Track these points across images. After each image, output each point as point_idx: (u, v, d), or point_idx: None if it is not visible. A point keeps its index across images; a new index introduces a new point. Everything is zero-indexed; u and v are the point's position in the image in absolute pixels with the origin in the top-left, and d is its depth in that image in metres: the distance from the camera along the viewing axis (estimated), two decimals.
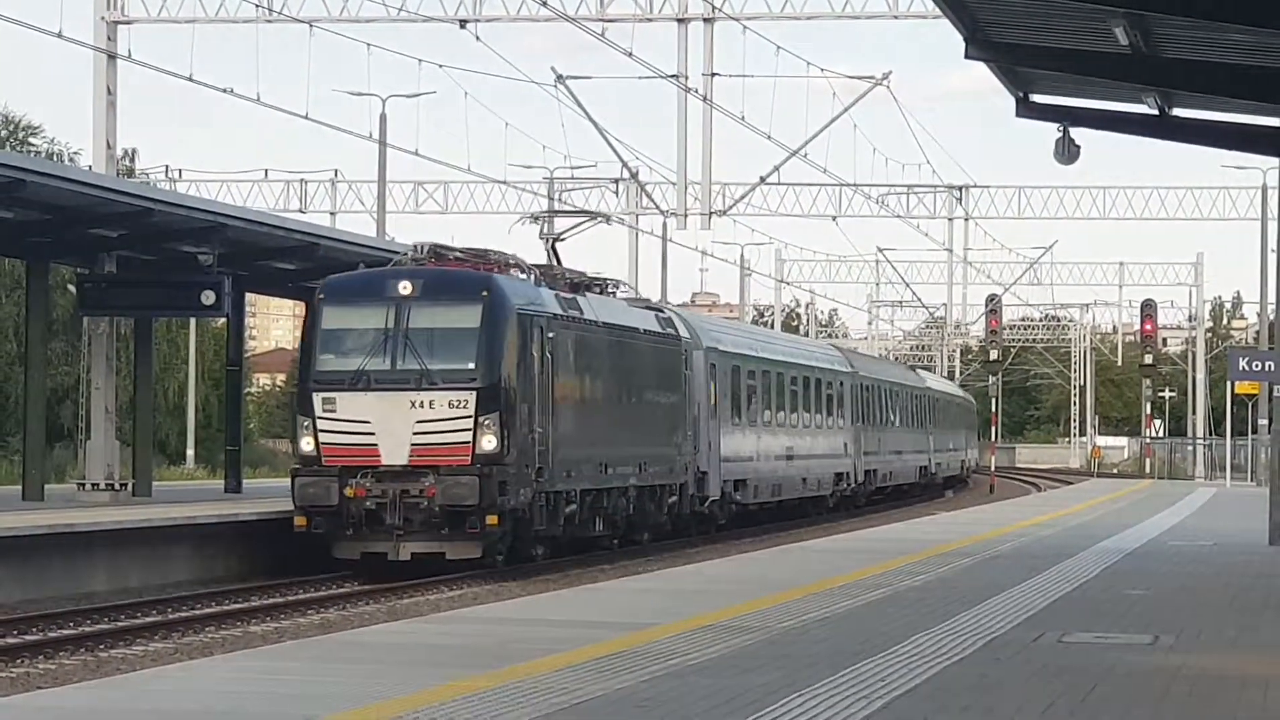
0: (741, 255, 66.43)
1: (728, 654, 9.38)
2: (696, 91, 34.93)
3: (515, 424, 21.88)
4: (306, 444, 21.85)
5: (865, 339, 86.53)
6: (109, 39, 30.23)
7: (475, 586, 21.57)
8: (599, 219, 30.81)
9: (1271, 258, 30.82)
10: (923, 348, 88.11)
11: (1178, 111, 19.97)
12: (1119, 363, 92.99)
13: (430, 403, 21.37)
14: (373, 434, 21.42)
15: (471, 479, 20.80)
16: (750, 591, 13.99)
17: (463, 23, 32.31)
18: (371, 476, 21.18)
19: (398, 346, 21.55)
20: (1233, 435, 61.98)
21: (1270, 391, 26.32)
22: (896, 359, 76.29)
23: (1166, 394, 79.00)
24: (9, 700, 8.70)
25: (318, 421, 21.66)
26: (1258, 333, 40.48)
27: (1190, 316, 73.10)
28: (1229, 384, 47.95)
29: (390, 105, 44.31)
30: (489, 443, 21.24)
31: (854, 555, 19.68)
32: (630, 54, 31.48)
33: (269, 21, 33.08)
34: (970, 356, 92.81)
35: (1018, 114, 18.80)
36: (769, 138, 36.76)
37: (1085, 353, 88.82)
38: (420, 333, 21.70)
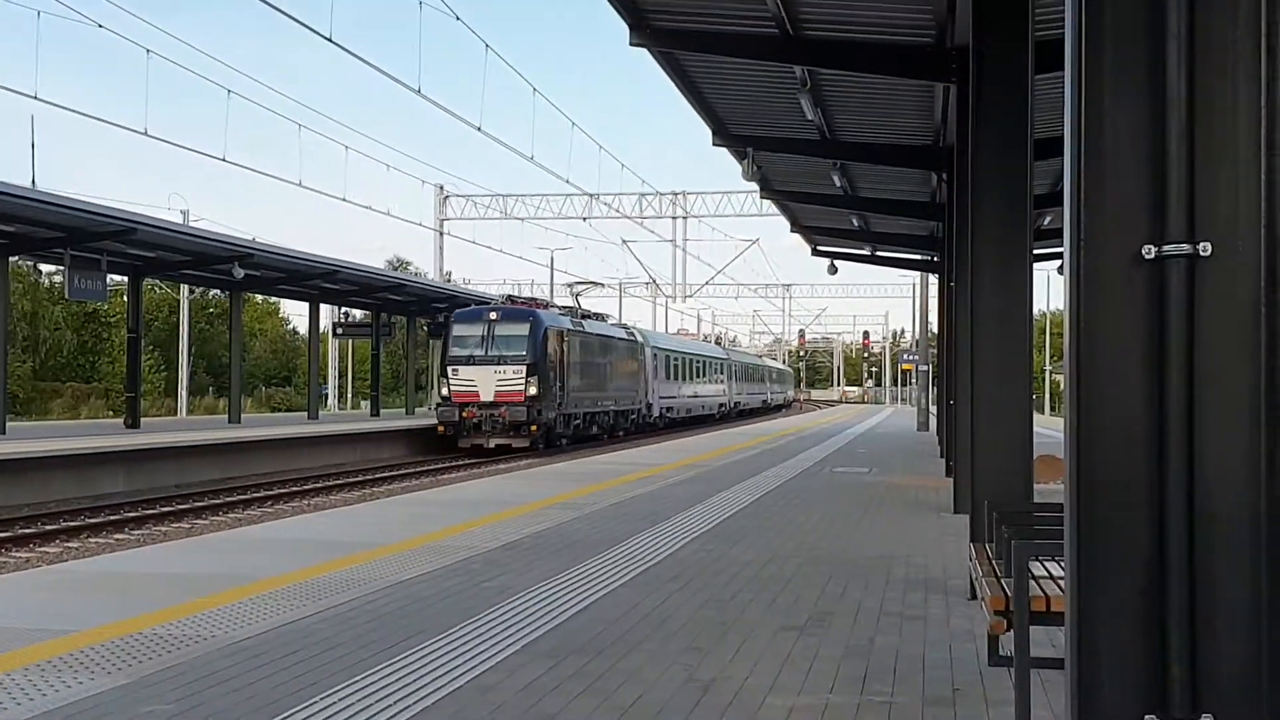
0: (699, 314, 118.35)
1: (692, 476, 20.13)
2: (676, 244, 66.12)
3: (546, 382, 40.78)
4: (444, 390, 40.95)
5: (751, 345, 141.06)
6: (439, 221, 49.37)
7: (541, 456, 37.78)
8: (600, 284, 60.31)
9: (918, 316, 57.62)
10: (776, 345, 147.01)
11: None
12: (853, 354, 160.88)
13: (504, 372, 40.27)
14: (476, 386, 40.15)
15: (522, 408, 39.48)
16: (690, 449, 30.18)
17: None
18: (476, 407, 39.80)
19: (488, 343, 40.84)
20: (901, 385, 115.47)
21: (916, 367, 51.97)
22: (762, 353, 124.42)
23: (873, 370, 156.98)
24: (275, 523, 17.10)
25: (450, 380, 40.70)
26: (915, 342, 64.37)
27: (883, 337, 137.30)
28: (900, 365, 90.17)
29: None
30: (533, 390, 40.02)
31: (736, 436, 39.90)
32: (641, 222, 61.75)
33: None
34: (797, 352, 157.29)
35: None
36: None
37: (840, 350, 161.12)
38: (499, 338, 40.92)
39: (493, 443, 39.29)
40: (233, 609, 8.42)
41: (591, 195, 56.26)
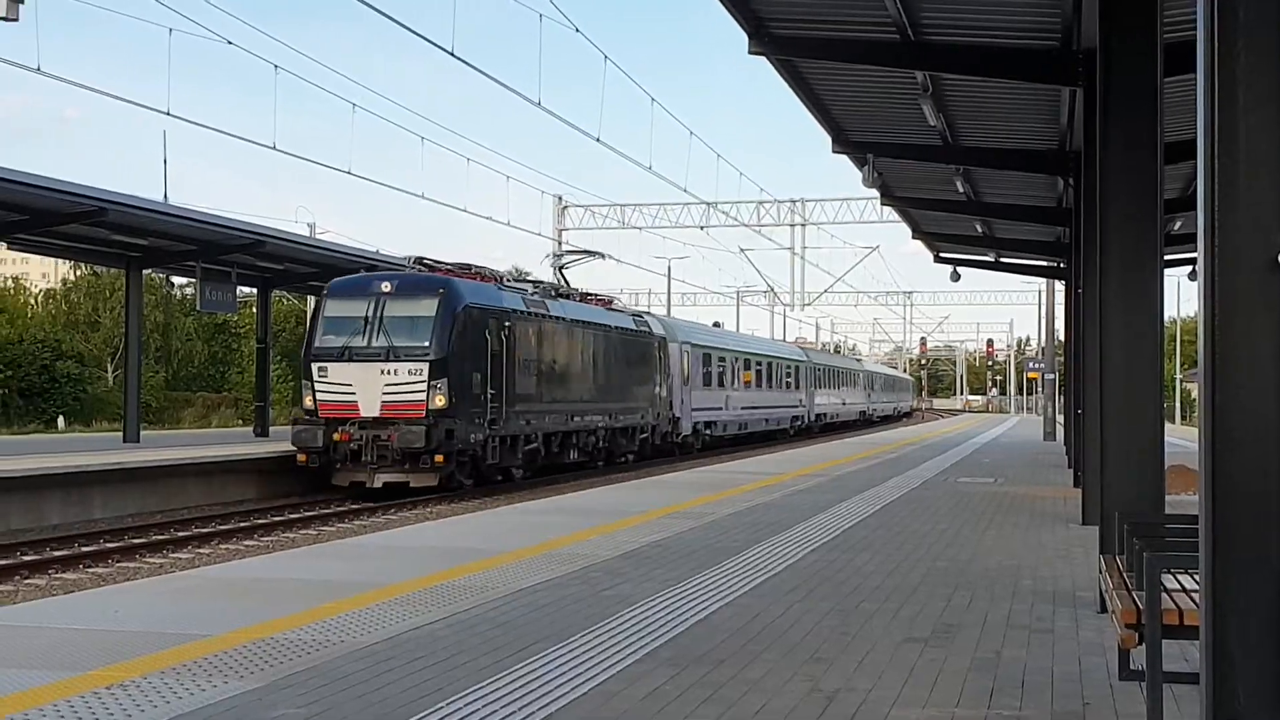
0: (817, 322, 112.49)
1: (812, 486, 19.99)
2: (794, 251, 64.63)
3: (467, 387, 26.80)
4: (308, 400, 26.96)
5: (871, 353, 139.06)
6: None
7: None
8: (598, 255, 42.90)
9: (1044, 323, 53.51)
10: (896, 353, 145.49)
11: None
12: (977, 363, 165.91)
13: (395, 372, 26.36)
14: (353, 394, 26.39)
15: (420, 428, 25.33)
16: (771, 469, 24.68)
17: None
18: (356, 425, 26.05)
19: (373, 329, 26.79)
20: (1026, 394, 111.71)
21: (1042, 376, 49.87)
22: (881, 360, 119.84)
23: (997, 378, 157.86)
24: (396, 531, 16.15)
25: (316, 384, 26.85)
26: (1041, 350, 62.20)
27: (1008, 344, 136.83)
28: (1025, 373, 79.71)
29: None
30: (439, 400, 26.04)
31: (829, 455, 35.23)
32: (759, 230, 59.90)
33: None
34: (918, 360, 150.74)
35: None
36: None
37: (963, 358, 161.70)
38: (391, 320, 26.80)
39: (379, 480, 25.94)
40: (360, 614, 8.55)
41: (709, 204, 56.19)
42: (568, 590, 9.70)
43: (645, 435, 38.59)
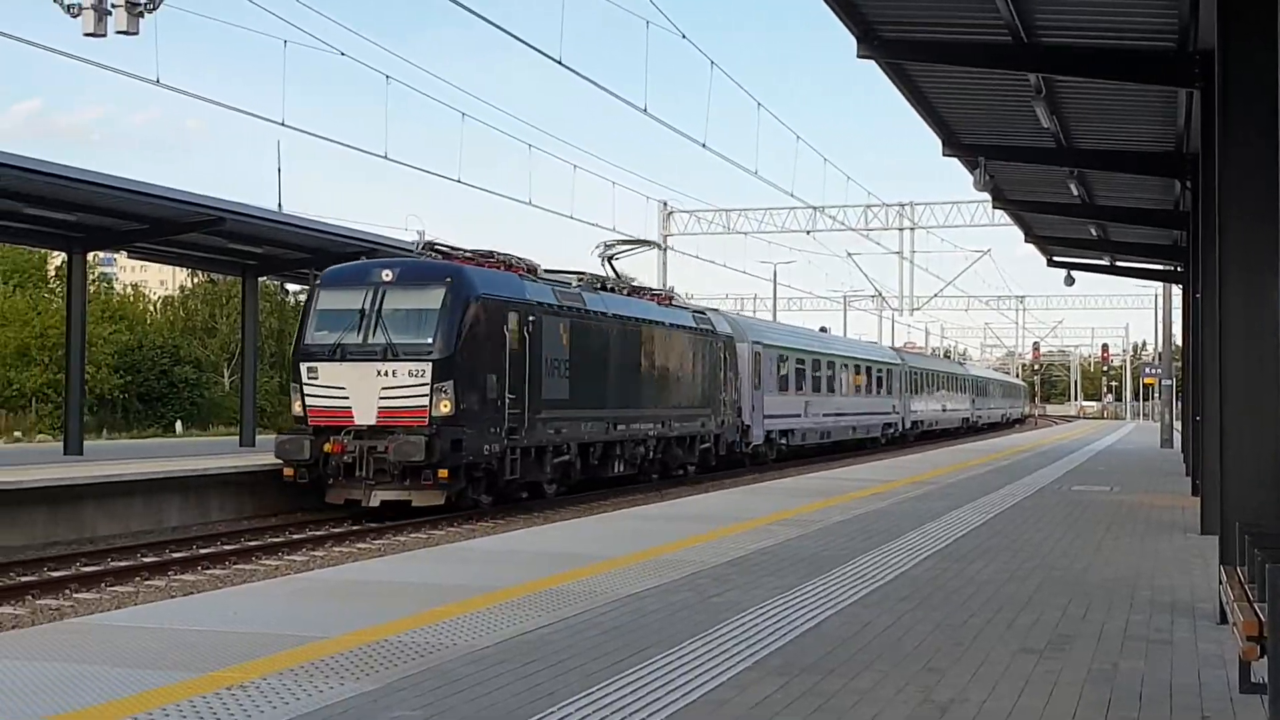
0: (926, 327, 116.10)
1: (923, 493, 19.86)
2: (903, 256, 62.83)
3: (478, 390, 23.01)
4: (296, 406, 23.45)
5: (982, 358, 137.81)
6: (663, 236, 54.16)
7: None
8: (650, 245, 35.94)
9: (1160, 328, 54.53)
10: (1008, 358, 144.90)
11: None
12: (1091, 368, 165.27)
13: (394, 373, 22.58)
14: (346, 399, 22.76)
15: (419, 439, 21.65)
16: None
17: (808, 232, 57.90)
18: (351, 434, 22.42)
19: (369, 324, 23.01)
20: (1142, 400, 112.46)
21: (1159, 381, 50.86)
22: (967, 362, 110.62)
23: (1112, 384, 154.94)
24: (504, 535, 14.80)
25: (305, 388, 23.20)
26: (1158, 355, 58.04)
27: (1123, 350, 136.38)
28: (1141, 379, 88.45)
29: None
30: (445, 405, 22.29)
31: (935, 463, 35.02)
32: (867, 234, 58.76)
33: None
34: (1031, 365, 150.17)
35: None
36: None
37: (1076, 363, 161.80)
38: (390, 314, 23.03)
39: (376, 498, 22.52)
40: (471, 618, 8.63)
41: (816, 208, 55.91)
42: (676, 596, 9.70)
43: (707, 445, 33.98)
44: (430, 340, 22.67)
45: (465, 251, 25.56)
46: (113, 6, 16.69)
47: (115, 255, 66.37)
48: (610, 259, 32.32)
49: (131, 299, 72.02)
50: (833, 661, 7.47)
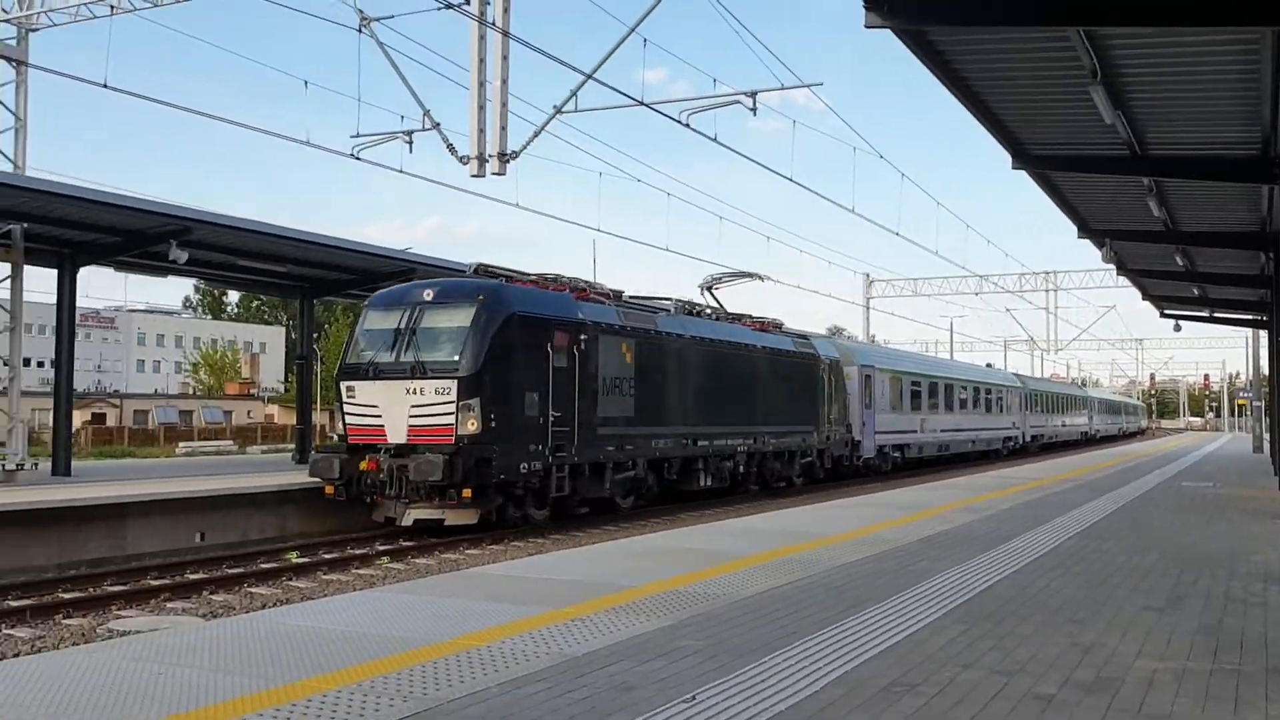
0: (1067, 364, 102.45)
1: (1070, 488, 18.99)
2: (1048, 310, 46.51)
3: (507, 407, 17.30)
4: (339, 424, 18.41)
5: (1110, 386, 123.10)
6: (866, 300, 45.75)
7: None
8: (753, 276, 26.96)
9: (1250, 361, 50.13)
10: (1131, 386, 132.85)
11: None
12: (1196, 392, 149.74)
13: (422, 391, 17.28)
14: (380, 416, 17.52)
15: (437, 458, 16.43)
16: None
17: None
18: (384, 453, 17.34)
19: (404, 342, 17.81)
20: (1237, 416, 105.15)
21: (1250, 402, 48.85)
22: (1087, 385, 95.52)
23: (1213, 404, 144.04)
24: (740, 520, 13.15)
25: (345, 406, 18.02)
26: (1249, 382, 53.78)
27: (1221, 378, 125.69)
28: (1236, 400, 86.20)
29: None
30: (472, 424, 16.87)
31: (1057, 469, 30.10)
32: (1020, 295, 60.41)
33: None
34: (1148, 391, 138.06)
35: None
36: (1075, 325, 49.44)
37: (1184, 389, 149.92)
38: (424, 332, 17.76)
39: (410, 516, 17.36)
40: (732, 576, 8.68)
41: (982, 276, 54.35)
42: (881, 565, 9.58)
43: (809, 459, 27.67)
44: (456, 358, 17.27)
45: (524, 274, 19.59)
46: (488, 157, 17.52)
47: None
48: (710, 289, 26.39)
49: None
50: (1002, 613, 7.27)
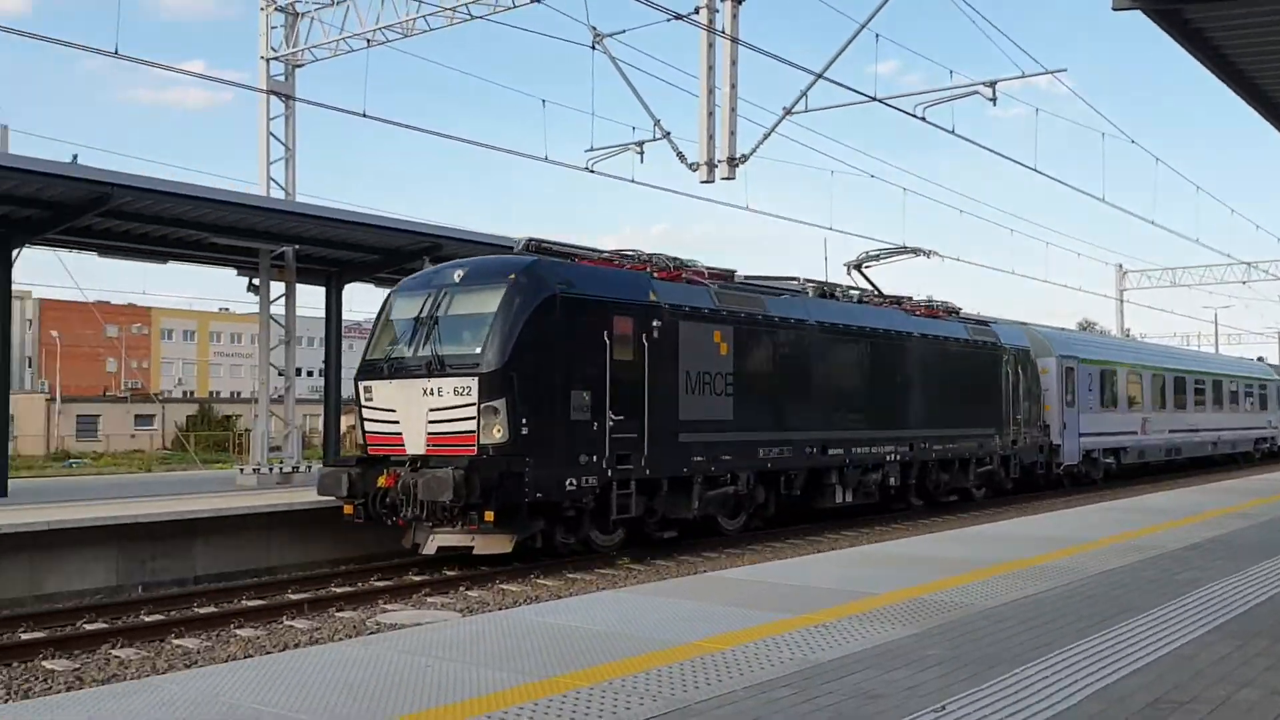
0: None
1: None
2: None
3: (546, 410, 13.85)
4: (360, 433, 14.96)
5: None
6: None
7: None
8: (913, 253, 23.38)
9: None
10: None
11: None
12: None
13: (441, 390, 13.92)
14: (397, 422, 14.27)
15: (447, 473, 13.14)
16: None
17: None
18: (399, 466, 13.95)
19: (425, 333, 14.43)
20: None
21: None
22: None
23: None
24: (1003, 524, 11.68)
25: (363, 410, 14.76)
26: None
27: None
28: None
29: None
30: (498, 431, 13.53)
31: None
32: None
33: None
34: None
35: None
36: None
37: None
38: (448, 320, 14.38)
39: (433, 544, 13.96)
40: (980, 585, 8.43)
41: (1249, 263, 50.24)
42: (1143, 574, 9.05)
43: (988, 467, 23.34)
44: (478, 350, 13.80)
45: (593, 251, 16.21)
46: (717, 163, 17.70)
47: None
48: (859, 266, 22.80)
49: None
50: None
